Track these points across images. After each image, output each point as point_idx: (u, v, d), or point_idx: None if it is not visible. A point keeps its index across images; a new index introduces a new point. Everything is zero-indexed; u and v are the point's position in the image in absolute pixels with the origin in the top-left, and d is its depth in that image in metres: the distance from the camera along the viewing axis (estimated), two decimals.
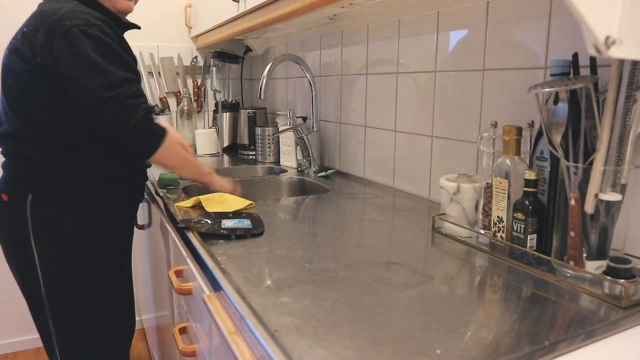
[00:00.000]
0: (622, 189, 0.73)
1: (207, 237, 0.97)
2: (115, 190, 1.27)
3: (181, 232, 1.04)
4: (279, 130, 1.85)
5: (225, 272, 0.79)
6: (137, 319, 2.47)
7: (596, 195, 0.73)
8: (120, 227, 1.34)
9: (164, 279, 1.45)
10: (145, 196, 1.66)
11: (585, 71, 0.80)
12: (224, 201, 1.23)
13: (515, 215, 0.83)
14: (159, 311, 1.69)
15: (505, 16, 1.04)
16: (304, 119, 1.81)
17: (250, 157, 2.12)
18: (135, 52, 2.30)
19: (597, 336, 0.60)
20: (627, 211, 0.75)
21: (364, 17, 1.51)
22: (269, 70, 1.55)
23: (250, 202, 1.24)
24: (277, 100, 2.30)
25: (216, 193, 1.29)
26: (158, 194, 1.39)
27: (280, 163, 1.91)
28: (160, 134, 1.18)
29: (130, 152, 1.22)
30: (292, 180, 1.67)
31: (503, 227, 0.86)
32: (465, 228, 0.96)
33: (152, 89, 2.39)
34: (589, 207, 0.73)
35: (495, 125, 0.92)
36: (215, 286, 0.79)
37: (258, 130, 2.00)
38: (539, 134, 0.84)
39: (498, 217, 0.87)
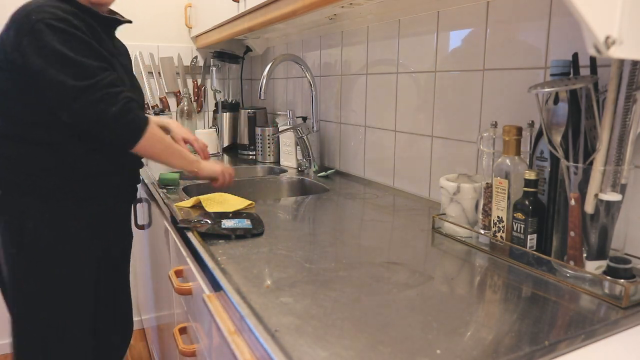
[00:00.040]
0: (622, 189, 0.73)
1: (207, 237, 0.97)
2: (99, 186, 1.25)
3: (181, 232, 1.04)
4: (279, 130, 1.86)
5: (225, 272, 0.79)
6: (137, 319, 2.47)
7: (596, 195, 0.73)
8: (101, 224, 1.29)
9: (164, 279, 1.45)
10: (145, 196, 1.66)
11: (585, 71, 0.80)
12: (224, 201, 1.23)
13: (515, 215, 0.83)
14: (159, 311, 1.69)
15: (505, 16, 1.04)
16: (304, 119, 1.81)
17: (250, 157, 2.12)
18: (135, 52, 2.31)
19: (597, 336, 0.60)
20: (627, 211, 0.75)
21: (364, 17, 1.51)
22: (269, 70, 1.55)
23: (250, 202, 1.24)
24: (277, 100, 2.30)
25: (216, 193, 1.29)
26: (158, 194, 1.39)
27: (280, 163, 1.91)
28: (142, 122, 1.15)
29: (114, 145, 1.18)
30: (292, 180, 1.67)
31: (503, 227, 0.86)
32: (465, 228, 0.96)
33: (152, 89, 2.39)
34: (589, 207, 0.73)
35: (495, 125, 0.92)
36: (215, 286, 0.79)
37: (258, 130, 2.00)
38: (539, 134, 0.84)
39: (498, 217, 0.87)
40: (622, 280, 0.68)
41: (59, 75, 1.06)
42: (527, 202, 0.81)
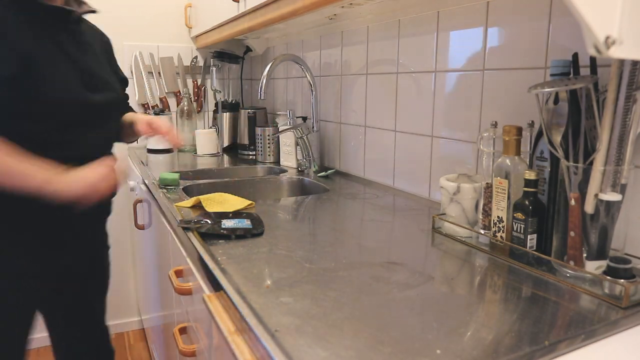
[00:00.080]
0: (622, 189, 0.73)
1: (207, 237, 0.97)
2: (27, 211, 1.08)
3: (181, 232, 1.04)
4: (279, 130, 1.86)
5: (225, 272, 0.79)
6: (137, 319, 2.48)
7: (596, 195, 0.73)
8: (45, 242, 1.14)
9: (164, 279, 1.45)
10: (145, 196, 1.66)
11: (585, 71, 0.80)
12: (224, 201, 1.23)
13: (515, 215, 0.83)
14: (159, 311, 1.69)
15: (505, 16, 1.04)
16: (304, 119, 1.81)
17: (250, 157, 2.12)
18: (135, 52, 2.31)
19: (597, 336, 0.60)
20: (627, 211, 0.75)
21: (364, 17, 1.51)
22: (269, 70, 1.55)
23: (250, 202, 1.24)
24: (277, 100, 2.30)
25: (216, 193, 1.29)
26: (158, 194, 1.39)
27: (280, 163, 1.91)
28: None
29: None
30: (292, 180, 1.67)
31: (503, 227, 0.86)
32: (465, 228, 0.96)
33: (152, 89, 2.39)
34: (589, 207, 0.73)
35: (495, 125, 0.92)
36: (215, 286, 0.79)
37: (258, 130, 2.00)
38: (539, 134, 0.84)
39: (498, 217, 0.87)
40: (622, 280, 0.68)
41: None
42: (527, 202, 0.81)
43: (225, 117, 2.29)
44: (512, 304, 0.68)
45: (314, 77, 1.74)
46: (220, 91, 2.46)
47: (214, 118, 2.44)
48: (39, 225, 1.12)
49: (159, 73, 2.38)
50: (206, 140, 2.18)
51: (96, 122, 1.17)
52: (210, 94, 2.51)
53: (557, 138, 0.77)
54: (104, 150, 1.23)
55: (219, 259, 0.85)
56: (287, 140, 1.85)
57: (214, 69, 2.41)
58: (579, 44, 0.88)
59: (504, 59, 1.05)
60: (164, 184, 1.46)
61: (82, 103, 1.12)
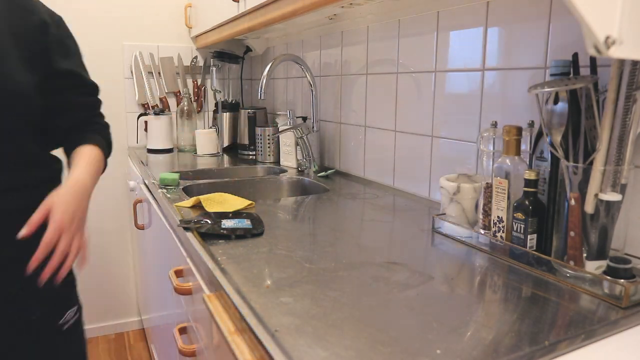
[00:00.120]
0: (622, 189, 0.73)
1: (207, 237, 0.97)
2: None
3: (181, 232, 1.04)
4: (279, 130, 1.86)
5: (225, 272, 0.79)
6: (137, 319, 2.48)
7: (596, 195, 0.73)
8: None
9: (164, 279, 1.45)
10: (145, 196, 1.66)
11: (585, 71, 0.80)
12: (224, 201, 1.23)
13: (515, 215, 0.83)
14: (159, 311, 1.69)
15: (505, 16, 1.04)
16: (304, 119, 1.82)
17: (250, 157, 2.12)
18: (135, 52, 2.31)
19: (597, 336, 0.60)
20: (627, 211, 0.75)
21: (364, 17, 1.51)
22: (269, 70, 1.55)
23: (250, 202, 1.24)
24: (277, 100, 2.30)
25: (216, 193, 1.29)
26: (159, 194, 1.39)
27: (280, 163, 1.91)
28: None
29: None
30: (292, 180, 1.67)
31: (503, 227, 0.86)
32: (465, 228, 0.96)
33: (152, 89, 2.39)
34: (589, 207, 0.73)
35: (495, 125, 0.92)
36: (216, 286, 0.79)
37: (258, 130, 2.00)
38: (539, 134, 0.84)
39: (498, 217, 0.87)
40: (622, 280, 0.68)
41: None
42: (527, 202, 0.81)
43: (225, 117, 2.29)
44: (512, 304, 0.68)
45: (314, 77, 1.74)
46: (220, 91, 2.47)
47: (214, 118, 2.44)
48: None
49: (159, 73, 2.39)
50: (206, 140, 2.18)
51: None
52: (210, 94, 2.51)
53: (557, 138, 0.77)
54: None
55: (219, 259, 0.85)
56: (287, 140, 1.85)
57: (214, 69, 2.41)
58: (579, 44, 0.88)
59: (504, 59, 1.05)
60: (164, 184, 1.46)
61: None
